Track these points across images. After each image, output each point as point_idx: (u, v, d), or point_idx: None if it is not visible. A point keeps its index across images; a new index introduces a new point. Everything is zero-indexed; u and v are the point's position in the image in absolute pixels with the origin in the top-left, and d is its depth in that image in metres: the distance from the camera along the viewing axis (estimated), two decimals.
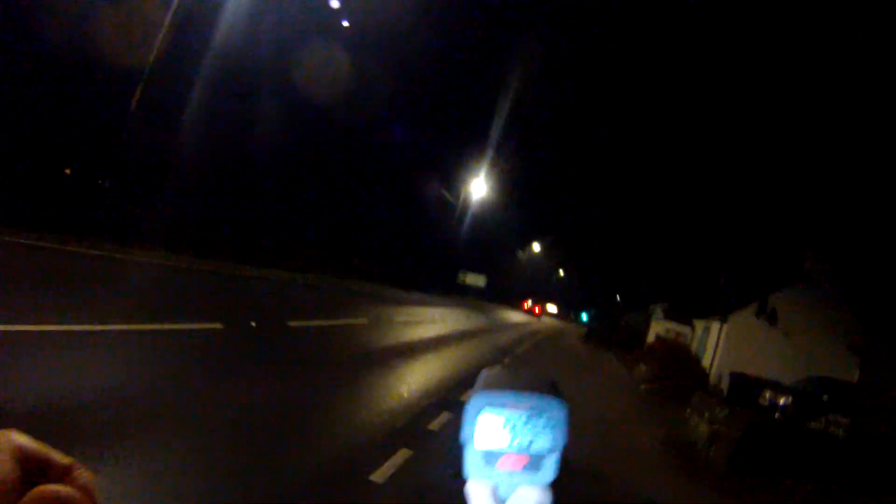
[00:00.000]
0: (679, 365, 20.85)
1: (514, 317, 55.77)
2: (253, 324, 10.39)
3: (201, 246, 18.59)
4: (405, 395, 8.86)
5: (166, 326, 8.27)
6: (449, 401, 8.86)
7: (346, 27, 25.70)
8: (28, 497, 0.42)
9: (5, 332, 5.78)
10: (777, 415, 18.34)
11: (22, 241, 11.13)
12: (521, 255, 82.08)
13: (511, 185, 57.25)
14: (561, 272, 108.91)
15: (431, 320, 22.81)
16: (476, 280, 65.18)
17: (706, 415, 12.28)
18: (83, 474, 0.47)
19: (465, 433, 0.78)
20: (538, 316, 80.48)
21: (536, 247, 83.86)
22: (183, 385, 6.13)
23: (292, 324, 11.73)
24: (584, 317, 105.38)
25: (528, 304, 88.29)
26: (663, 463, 10.56)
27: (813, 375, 20.48)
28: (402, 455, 5.89)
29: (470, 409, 0.79)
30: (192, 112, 21.14)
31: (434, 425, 7.43)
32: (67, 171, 19.41)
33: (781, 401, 19.22)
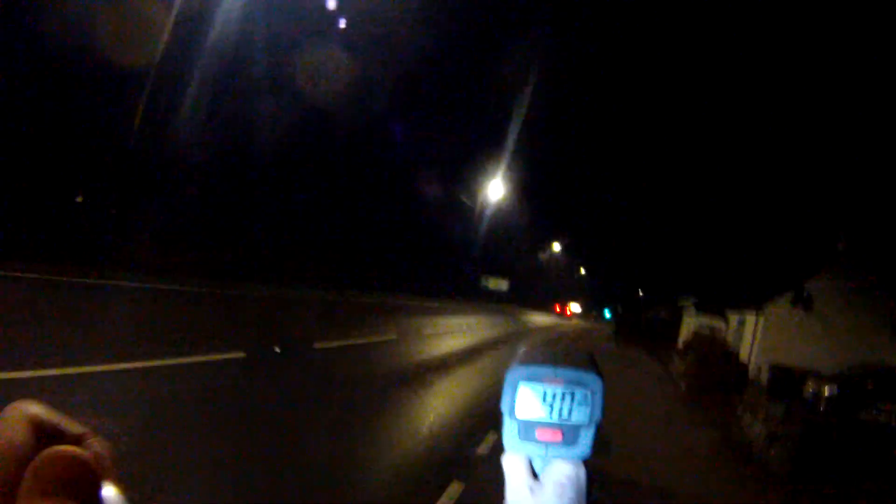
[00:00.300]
0: (718, 360, 20.20)
1: (539, 319, 55.20)
2: (277, 349, 9.98)
3: (208, 266, 18.28)
4: (447, 414, 8.42)
5: (187, 360, 7.85)
6: (492, 418, 8.40)
7: (354, 28, 25.31)
8: (42, 455, 0.44)
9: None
10: (822, 407, 17.67)
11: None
12: (541, 255, 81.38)
13: (528, 185, 56.68)
14: (582, 270, 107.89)
15: (459, 330, 22.36)
16: (498, 284, 64.64)
17: (761, 414, 11.70)
18: (98, 442, 0.49)
19: (503, 403, 0.77)
20: (569, 317, 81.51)
21: (556, 246, 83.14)
22: (216, 427, 5.72)
23: (319, 345, 11.34)
24: (607, 313, 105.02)
25: (559, 307, 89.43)
26: (723, 467, 10.00)
27: (855, 362, 19.72)
28: (454, 489, 5.44)
29: (508, 380, 0.79)
30: (191, 121, 20.71)
31: (483, 449, 6.97)
32: (80, 199, 17.98)
33: (826, 391, 18.49)
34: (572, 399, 0.79)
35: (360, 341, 13.34)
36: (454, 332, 21.03)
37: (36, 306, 8.98)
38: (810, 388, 18.99)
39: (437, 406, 9.01)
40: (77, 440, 0.48)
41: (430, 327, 20.37)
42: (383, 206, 50.81)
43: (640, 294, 78.43)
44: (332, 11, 23.01)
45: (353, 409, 7.63)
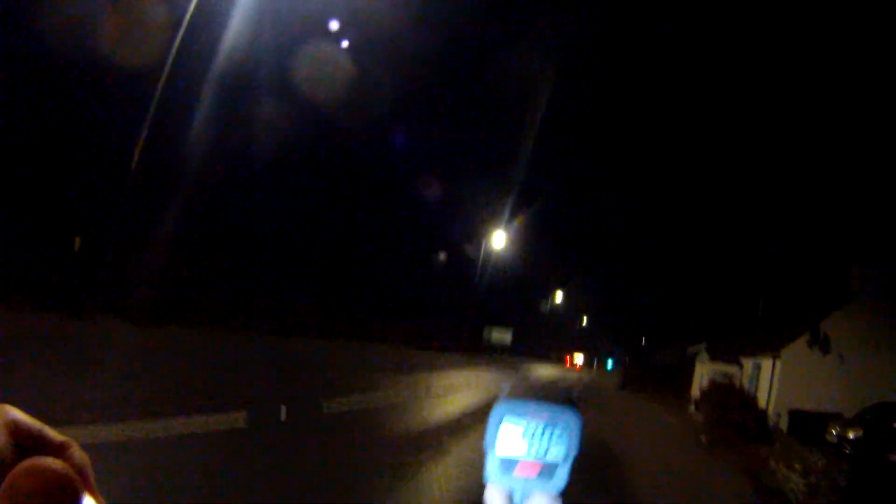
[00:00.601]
0: (737, 410, 19.43)
1: (544, 371, 54.14)
2: (283, 414, 9.26)
3: (209, 310, 17.69)
4: (474, 485, 7.76)
5: (179, 428, 7.13)
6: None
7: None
8: (20, 467, 0.43)
9: None
10: (848, 450, 16.92)
11: None
12: (544, 305, 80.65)
13: (532, 235, 56.24)
14: (584, 320, 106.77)
15: (468, 385, 21.61)
16: (501, 335, 63.58)
17: (797, 465, 11.01)
18: (77, 453, 0.48)
19: (487, 440, 1.14)
20: (570, 369, 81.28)
21: (559, 296, 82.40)
22: None
23: (328, 409, 10.70)
24: (610, 363, 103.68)
25: (569, 359, 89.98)
26: None
27: (877, 402, 18.99)
28: None
29: (493, 417, 1.17)
30: (193, 159, 20.25)
31: None
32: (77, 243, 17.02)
33: (851, 434, 17.77)
34: (551, 435, 1.18)
35: (370, 403, 12.68)
36: (463, 388, 20.30)
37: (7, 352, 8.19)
38: (834, 431, 18.26)
39: (461, 474, 8.36)
40: (58, 450, 0.46)
41: (438, 383, 19.66)
42: (389, 257, 50.43)
43: (644, 342, 77.44)
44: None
45: (376, 490, 6.88)
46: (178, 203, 21.14)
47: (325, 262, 39.53)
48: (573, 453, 0.87)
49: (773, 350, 22.09)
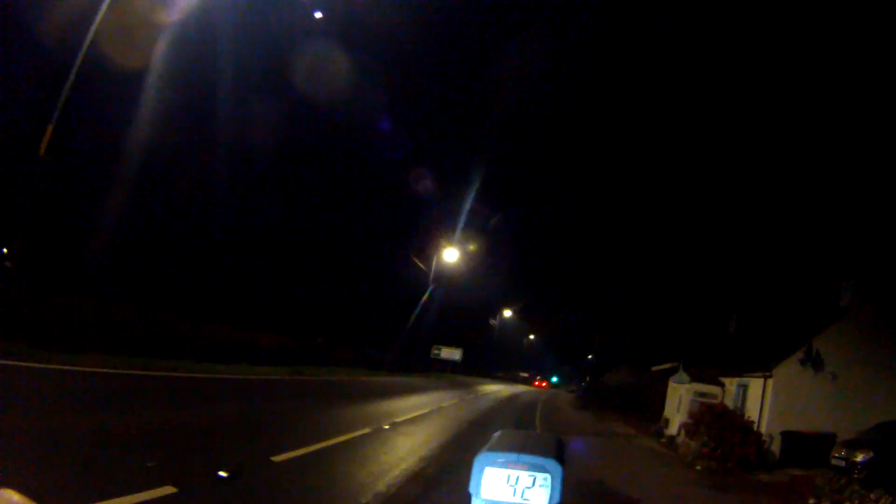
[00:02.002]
0: (732, 434, 17.51)
1: (502, 390, 52.38)
2: (223, 473, 6.55)
3: (137, 341, 14.83)
4: None
5: None
6: None
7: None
8: None
9: None
10: (857, 474, 15.21)
11: None
12: (492, 322, 78.67)
13: (482, 252, 54.26)
14: (531, 336, 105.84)
15: (430, 412, 19.07)
16: (451, 353, 61.45)
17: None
18: None
19: (472, 484, 0.90)
20: (543, 387, 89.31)
21: (507, 313, 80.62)
22: None
23: (277, 458, 7.99)
24: (555, 379, 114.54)
25: (538, 382, 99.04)
26: None
27: (881, 422, 17.43)
28: None
29: (477, 463, 0.92)
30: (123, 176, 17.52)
31: None
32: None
33: (860, 457, 16.04)
34: (533, 482, 0.87)
35: (328, 443, 9.95)
36: (426, 416, 17.77)
37: None
38: (840, 454, 16.54)
39: None
40: None
41: (397, 411, 17.09)
42: (334, 276, 47.42)
43: (591, 357, 76.12)
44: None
45: None
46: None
47: (276, 289, 36.63)
48: (556, 501, 0.88)
49: (764, 369, 20.39)
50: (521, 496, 0.92)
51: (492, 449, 0.97)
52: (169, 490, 5.66)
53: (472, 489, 0.94)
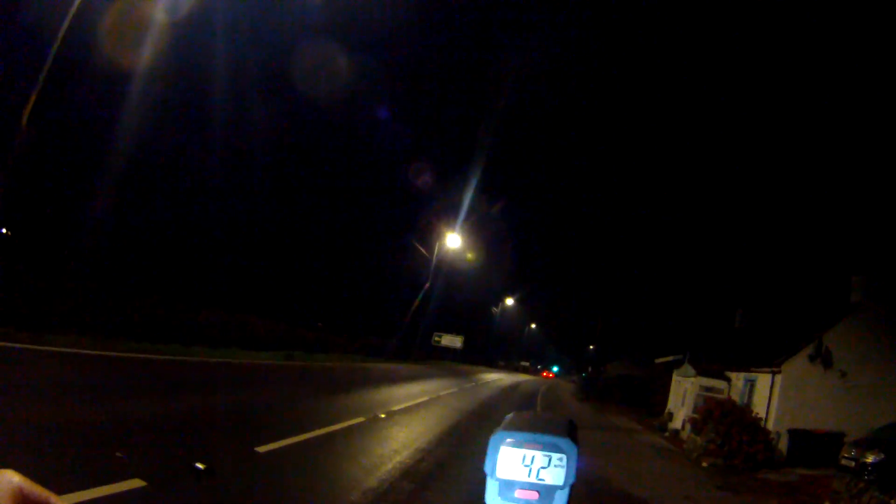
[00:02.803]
0: (741, 431, 17.00)
1: (502, 379, 52.00)
2: (200, 465, 5.96)
3: (122, 321, 14.38)
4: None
5: None
6: None
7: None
8: None
9: None
10: (868, 475, 14.72)
11: None
12: (494, 311, 78.14)
13: (484, 239, 53.73)
14: (532, 326, 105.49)
15: (430, 400, 18.58)
16: (452, 341, 61.04)
17: None
18: None
19: (487, 464, 0.87)
20: (545, 377, 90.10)
21: (509, 302, 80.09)
22: None
23: (263, 449, 7.49)
24: (556, 369, 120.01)
25: (545, 374, 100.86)
26: None
27: (892, 422, 16.92)
28: None
29: (492, 444, 0.88)
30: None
31: None
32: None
33: (871, 458, 15.54)
34: (549, 462, 0.85)
35: (321, 432, 9.46)
36: (425, 404, 17.28)
37: None
38: (850, 454, 16.05)
39: None
40: None
41: (396, 399, 16.62)
42: (336, 263, 46.91)
43: (592, 348, 75.54)
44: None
45: None
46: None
47: (274, 274, 36.11)
48: (570, 481, 0.86)
49: (772, 364, 19.84)
50: (537, 476, 0.93)
51: (507, 428, 0.97)
52: (137, 483, 5.17)
53: (487, 469, 0.95)
